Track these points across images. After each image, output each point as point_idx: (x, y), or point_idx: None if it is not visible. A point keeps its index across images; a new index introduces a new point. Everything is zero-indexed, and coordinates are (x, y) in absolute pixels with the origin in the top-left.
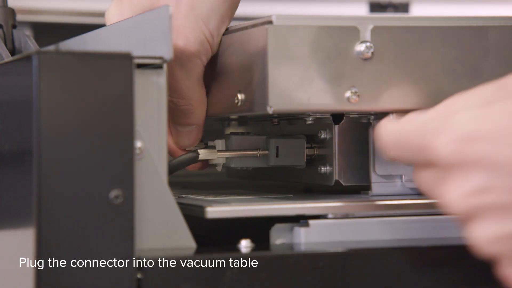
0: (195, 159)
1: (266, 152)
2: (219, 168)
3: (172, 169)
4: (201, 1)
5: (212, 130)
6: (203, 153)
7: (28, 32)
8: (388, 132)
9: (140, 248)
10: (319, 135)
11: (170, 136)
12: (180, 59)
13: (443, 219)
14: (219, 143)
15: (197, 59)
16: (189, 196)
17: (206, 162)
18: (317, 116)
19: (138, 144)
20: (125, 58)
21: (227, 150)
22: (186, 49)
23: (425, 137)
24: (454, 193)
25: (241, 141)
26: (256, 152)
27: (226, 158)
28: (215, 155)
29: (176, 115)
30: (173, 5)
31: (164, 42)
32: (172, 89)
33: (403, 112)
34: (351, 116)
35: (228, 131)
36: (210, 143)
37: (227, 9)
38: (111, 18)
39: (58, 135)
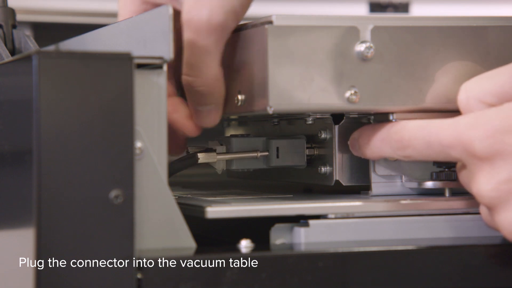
0: (194, 163)
1: (266, 153)
2: (219, 171)
3: (171, 172)
4: None
5: (213, 130)
6: (202, 157)
7: (28, 32)
8: (413, 132)
9: (140, 248)
10: (319, 135)
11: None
12: (200, 32)
13: (443, 219)
14: (219, 146)
15: (220, 32)
16: (189, 196)
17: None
18: (317, 116)
19: (138, 144)
20: (125, 58)
21: (227, 152)
22: (210, 21)
23: (460, 133)
24: (488, 183)
25: (241, 143)
26: (256, 153)
27: (226, 160)
28: (215, 158)
29: (192, 95)
30: None
31: (164, 42)
32: (188, 65)
33: (403, 112)
34: (351, 116)
35: (228, 131)
36: (210, 143)
37: None
38: (121, 5)
39: (58, 135)
